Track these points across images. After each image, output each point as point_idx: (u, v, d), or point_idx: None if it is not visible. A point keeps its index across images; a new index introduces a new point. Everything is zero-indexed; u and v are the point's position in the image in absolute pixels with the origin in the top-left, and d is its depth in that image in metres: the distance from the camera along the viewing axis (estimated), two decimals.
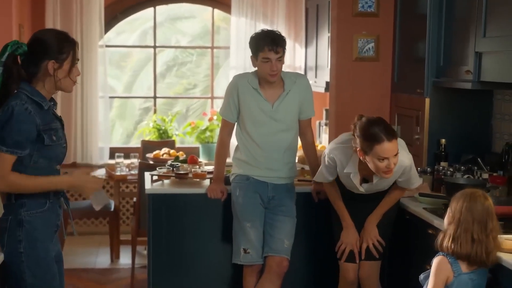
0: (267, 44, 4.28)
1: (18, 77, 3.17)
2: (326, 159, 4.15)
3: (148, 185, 4.79)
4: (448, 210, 3.27)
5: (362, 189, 4.09)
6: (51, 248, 3.24)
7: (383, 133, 3.74)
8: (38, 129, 3.13)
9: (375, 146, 3.74)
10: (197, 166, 4.98)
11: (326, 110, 7.65)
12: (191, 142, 8.43)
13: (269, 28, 4.58)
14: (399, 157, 3.84)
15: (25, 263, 3.15)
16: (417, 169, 4.60)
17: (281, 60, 4.33)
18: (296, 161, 5.17)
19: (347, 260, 4.27)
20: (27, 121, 3.10)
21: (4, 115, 3.09)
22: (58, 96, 7.64)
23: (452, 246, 3.15)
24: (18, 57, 3.19)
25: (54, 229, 3.27)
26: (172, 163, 5.03)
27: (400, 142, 3.97)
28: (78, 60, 3.28)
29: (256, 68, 4.42)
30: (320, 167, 4.26)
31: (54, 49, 3.17)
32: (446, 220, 3.29)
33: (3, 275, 3.20)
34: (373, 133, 3.75)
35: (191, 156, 5.14)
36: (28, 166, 3.15)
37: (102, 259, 6.95)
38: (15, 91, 3.16)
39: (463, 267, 3.17)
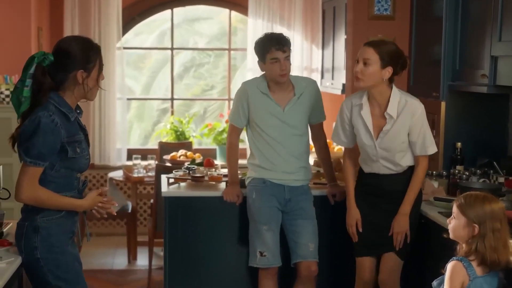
0: (273, 45, 4.32)
1: (49, 88, 3.16)
2: (339, 112, 4.26)
3: (164, 187, 4.82)
4: (464, 221, 3.15)
5: (374, 141, 4.10)
6: (69, 250, 3.26)
7: (369, 41, 4.10)
8: (63, 142, 3.13)
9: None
10: (213, 169, 5.00)
11: None
12: (208, 143, 8.45)
13: (275, 31, 4.61)
14: (411, 99, 4.04)
15: (45, 267, 3.18)
16: (432, 173, 4.62)
17: (288, 59, 4.37)
18: (312, 164, 5.21)
19: (360, 252, 4.27)
20: (53, 133, 3.09)
21: (30, 125, 3.09)
22: None
23: (493, 257, 3.09)
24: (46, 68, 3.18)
25: (70, 235, 3.28)
26: (189, 165, 5.06)
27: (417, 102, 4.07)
28: (103, 65, 3.31)
29: (263, 73, 4.46)
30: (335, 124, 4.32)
31: (82, 59, 3.18)
32: (462, 231, 3.16)
33: (27, 275, 3.26)
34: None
35: (207, 159, 5.16)
36: (48, 174, 3.16)
37: (119, 260, 7.00)
38: (44, 101, 3.15)
39: (478, 270, 3.15)
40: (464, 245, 3.17)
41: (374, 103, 4.11)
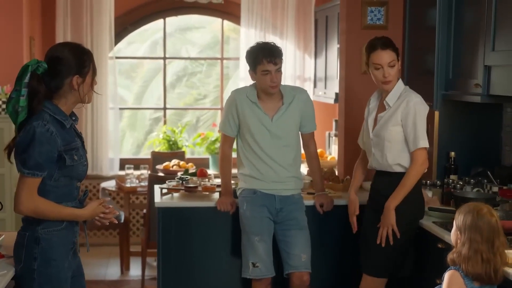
0: (265, 56, 4.31)
1: (44, 96, 3.13)
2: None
3: (157, 198, 4.80)
4: (454, 226, 3.25)
5: (371, 123, 4.21)
6: (67, 266, 3.22)
7: (379, 43, 4.14)
8: (59, 150, 3.11)
9: (371, 55, 4.14)
10: (207, 179, 4.99)
11: (336, 121, 7.65)
12: (201, 152, 8.44)
13: (266, 41, 4.60)
14: (411, 93, 4.11)
15: (37, 280, 3.15)
16: (426, 183, 4.61)
17: (279, 70, 4.36)
18: (306, 173, 5.20)
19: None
20: (49, 143, 3.07)
21: (26, 136, 3.07)
22: None
23: (464, 267, 3.13)
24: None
25: (70, 246, 3.26)
26: (182, 176, 5.04)
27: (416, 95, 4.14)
28: (96, 69, 3.29)
29: (253, 82, 4.45)
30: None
31: (76, 64, 3.16)
32: (453, 236, 3.27)
33: (16, 285, 3.22)
34: (368, 44, 4.21)
35: (201, 169, 5.14)
36: (47, 183, 3.13)
37: (112, 271, 6.97)
38: (39, 110, 3.13)
39: (475, 282, 3.16)
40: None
41: (384, 95, 4.22)
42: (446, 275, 3.21)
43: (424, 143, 4.06)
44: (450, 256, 3.21)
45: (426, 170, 4.20)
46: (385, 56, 4.10)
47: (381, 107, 4.23)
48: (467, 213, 3.19)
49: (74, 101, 3.23)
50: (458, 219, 3.21)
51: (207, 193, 4.85)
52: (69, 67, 3.15)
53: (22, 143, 3.08)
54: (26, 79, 3.10)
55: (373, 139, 4.20)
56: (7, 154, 3.20)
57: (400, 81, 4.20)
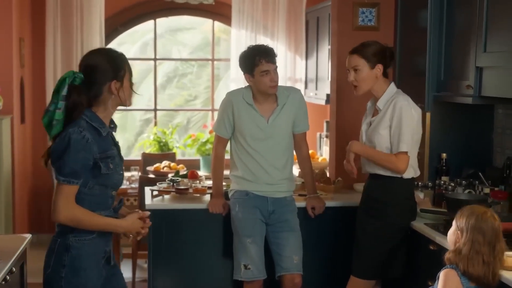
0: (263, 57, 4.31)
1: (84, 106, 3.09)
2: None
3: (148, 200, 4.78)
4: (454, 227, 3.23)
5: (365, 127, 4.22)
6: (96, 275, 3.17)
7: (355, 47, 4.20)
8: (95, 158, 3.06)
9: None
10: (198, 181, 4.97)
11: (327, 122, 7.64)
12: (191, 154, 8.41)
13: (258, 42, 4.59)
14: (402, 96, 4.10)
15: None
16: (417, 184, 4.60)
17: (277, 70, 4.36)
18: (297, 175, 5.19)
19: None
20: (84, 150, 3.03)
21: (61, 143, 3.03)
22: None
23: (465, 267, 3.12)
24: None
25: (102, 255, 3.20)
26: (173, 178, 5.02)
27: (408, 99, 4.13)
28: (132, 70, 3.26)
29: (247, 84, 4.44)
30: None
31: (111, 69, 3.13)
32: (452, 236, 3.25)
33: None
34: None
35: (191, 171, 5.13)
36: (82, 191, 3.08)
37: None
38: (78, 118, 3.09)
39: (471, 282, 3.16)
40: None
41: (376, 99, 4.23)
42: (442, 273, 3.20)
43: (404, 146, 4.03)
44: (447, 255, 3.20)
45: (418, 173, 4.20)
46: (349, 60, 4.18)
47: (375, 112, 4.24)
48: (470, 215, 3.17)
49: (115, 105, 3.18)
50: (461, 220, 3.19)
51: (198, 195, 4.83)
52: (105, 73, 3.11)
53: (58, 150, 3.04)
54: (64, 92, 3.05)
55: (366, 143, 4.21)
56: (44, 161, 3.17)
57: (392, 84, 4.20)
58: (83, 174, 3.04)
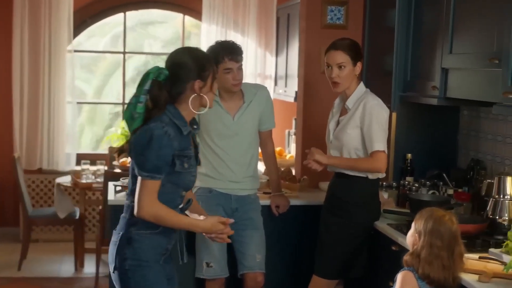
0: (226, 55, 4.26)
1: (165, 102, 3.12)
2: None
3: (111, 196, 4.73)
4: (413, 229, 3.23)
5: (333, 126, 4.21)
6: (158, 269, 3.19)
7: (336, 43, 4.16)
8: (173, 154, 3.08)
9: (326, 54, 4.18)
10: None
11: (296, 119, 7.62)
12: None
13: (226, 39, 4.55)
14: (371, 96, 4.12)
15: (132, 279, 3.14)
16: (382, 184, 4.60)
17: (241, 68, 4.34)
18: (263, 172, 5.16)
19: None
20: (166, 145, 3.05)
21: (143, 138, 3.03)
22: (25, 99, 7.55)
23: (425, 271, 3.11)
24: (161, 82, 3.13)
25: (163, 252, 3.21)
26: None
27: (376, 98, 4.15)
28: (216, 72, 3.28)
29: None
30: None
31: (197, 69, 3.15)
32: (410, 238, 3.25)
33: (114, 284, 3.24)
34: (331, 43, 4.22)
35: None
36: None
37: (66, 267, 6.86)
38: (159, 114, 3.10)
39: (429, 284, 3.16)
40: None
41: (345, 98, 4.21)
42: (399, 275, 3.19)
43: (379, 146, 4.04)
44: (406, 257, 3.20)
45: (384, 175, 4.20)
46: (335, 57, 4.12)
47: (343, 111, 4.22)
48: (428, 218, 3.17)
49: (196, 105, 3.19)
50: (418, 223, 3.19)
51: None
52: (190, 72, 3.14)
53: (139, 145, 3.04)
54: (147, 86, 3.08)
55: (333, 142, 4.20)
56: (117, 155, 3.23)
57: (362, 84, 4.20)
58: (165, 169, 3.06)
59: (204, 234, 3.28)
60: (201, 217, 3.25)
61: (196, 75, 3.14)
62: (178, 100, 3.17)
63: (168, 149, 3.06)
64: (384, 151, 4.05)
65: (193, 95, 3.16)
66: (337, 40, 4.21)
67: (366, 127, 4.06)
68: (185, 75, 3.14)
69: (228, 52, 4.29)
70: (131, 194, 3.17)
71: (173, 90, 3.14)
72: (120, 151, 3.22)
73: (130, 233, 3.13)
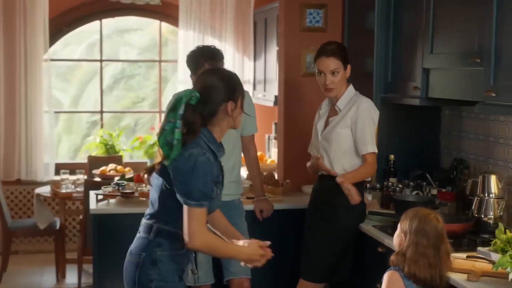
0: (206, 60, 4.25)
1: (199, 126, 3.07)
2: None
3: (93, 205, 4.68)
4: (399, 229, 3.23)
5: (321, 127, 4.19)
6: (179, 286, 3.17)
7: (326, 49, 4.11)
8: (213, 180, 3.05)
9: (316, 60, 4.13)
10: (144, 185, 4.88)
11: (275, 124, 7.60)
12: (139, 157, 8.30)
13: (206, 44, 4.52)
14: (362, 97, 4.13)
15: None
16: (365, 186, 4.59)
17: None
18: (246, 177, 5.14)
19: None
20: (210, 172, 3.01)
21: (186, 165, 2.98)
22: (1, 109, 7.47)
23: (410, 270, 3.11)
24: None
25: (180, 272, 3.18)
26: (118, 181, 4.93)
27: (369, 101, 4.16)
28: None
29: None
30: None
31: (229, 90, 3.11)
32: (396, 239, 3.25)
33: None
34: (318, 49, 4.17)
35: (137, 175, 5.04)
36: (182, 211, 3.05)
37: (47, 279, 6.78)
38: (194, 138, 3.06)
39: (415, 283, 3.15)
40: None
41: (334, 100, 4.19)
42: (385, 275, 3.20)
43: (372, 148, 4.06)
44: (392, 257, 3.20)
45: (370, 178, 4.20)
46: (328, 63, 4.09)
47: (332, 112, 4.21)
48: (413, 217, 3.17)
49: (226, 126, 3.17)
50: (404, 223, 3.19)
51: (144, 199, 4.74)
52: (222, 94, 3.09)
53: (183, 173, 2.99)
54: (181, 111, 3.01)
55: (322, 142, 4.18)
56: (147, 175, 3.16)
57: (351, 86, 4.20)
58: (210, 195, 3.04)
59: (243, 263, 3.23)
60: (241, 242, 3.21)
61: (228, 97, 3.11)
62: (210, 122, 3.12)
63: (211, 175, 3.02)
64: (376, 153, 4.08)
65: (225, 117, 3.13)
66: (325, 45, 4.18)
67: (359, 128, 4.06)
68: (218, 97, 3.09)
69: (208, 57, 4.27)
70: (157, 216, 3.12)
71: (205, 113, 3.09)
72: (150, 171, 3.14)
73: (154, 254, 3.08)
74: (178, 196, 3.02)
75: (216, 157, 3.11)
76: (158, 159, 3.09)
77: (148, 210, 3.19)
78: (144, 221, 3.19)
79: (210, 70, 3.32)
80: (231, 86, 3.13)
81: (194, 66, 4.30)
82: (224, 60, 4.39)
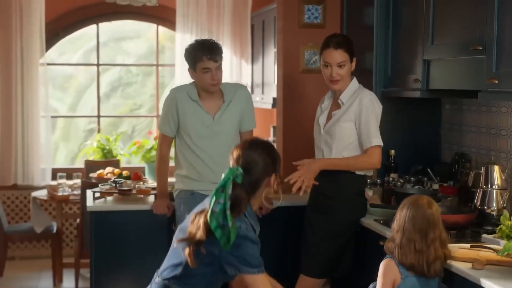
0: (205, 54, 4.19)
1: (245, 205, 3.07)
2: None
3: (90, 202, 4.62)
4: (394, 217, 3.22)
5: (323, 121, 4.13)
6: None
7: (333, 41, 4.03)
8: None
9: (323, 52, 4.05)
10: (141, 182, 4.83)
11: (274, 127, 7.57)
12: (136, 162, 8.24)
13: (204, 38, 4.47)
14: (365, 90, 4.06)
15: None
16: (366, 182, 4.53)
17: (220, 68, 4.26)
18: None
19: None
20: (257, 241, 3.08)
21: (235, 239, 2.98)
22: None
23: (398, 255, 3.12)
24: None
25: None
26: (116, 179, 4.86)
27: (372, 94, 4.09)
28: None
29: (193, 80, 4.33)
30: None
31: (271, 164, 3.14)
32: (392, 226, 3.24)
33: None
34: (324, 41, 4.09)
35: (135, 172, 4.98)
36: (208, 274, 3.11)
37: (44, 284, 6.70)
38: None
39: (409, 271, 3.14)
40: None
41: (337, 93, 4.13)
42: (381, 264, 3.20)
43: (377, 141, 4.01)
44: (386, 244, 3.21)
45: (372, 173, 4.15)
46: (335, 56, 4.03)
47: (335, 105, 4.15)
48: (405, 204, 3.18)
49: (263, 196, 3.22)
50: (399, 211, 3.19)
51: (142, 196, 4.69)
52: (266, 168, 3.12)
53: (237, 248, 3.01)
54: (230, 191, 2.98)
55: (324, 136, 4.13)
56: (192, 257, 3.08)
57: (355, 79, 4.15)
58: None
59: None
60: None
61: (272, 170, 3.14)
62: (253, 197, 3.14)
63: (258, 244, 3.08)
64: (381, 146, 4.02)
65: (265, 189, 3.15)
66: (331, 37, 4.12)
67: (363, 122, 4.00)
68: (262, 172, 3.11)
69: (206, 51, 4.22)
70: (178, 278, 3.11)
71: (249, 188, 3.09)
72: (198, 243, 3.07)
73: None
74: (229, 269, 3.04)
75: (255, 232, 3.14)
76: (201, 234, 3.02)
77: (166, 271, 3.16)
78: (158, 280, 3.17)
79: (251, 144, 3.23)
80: (274, 159, 3.16)
81: (193, 60, 4.26)
82: (222, 63, 4.33)
